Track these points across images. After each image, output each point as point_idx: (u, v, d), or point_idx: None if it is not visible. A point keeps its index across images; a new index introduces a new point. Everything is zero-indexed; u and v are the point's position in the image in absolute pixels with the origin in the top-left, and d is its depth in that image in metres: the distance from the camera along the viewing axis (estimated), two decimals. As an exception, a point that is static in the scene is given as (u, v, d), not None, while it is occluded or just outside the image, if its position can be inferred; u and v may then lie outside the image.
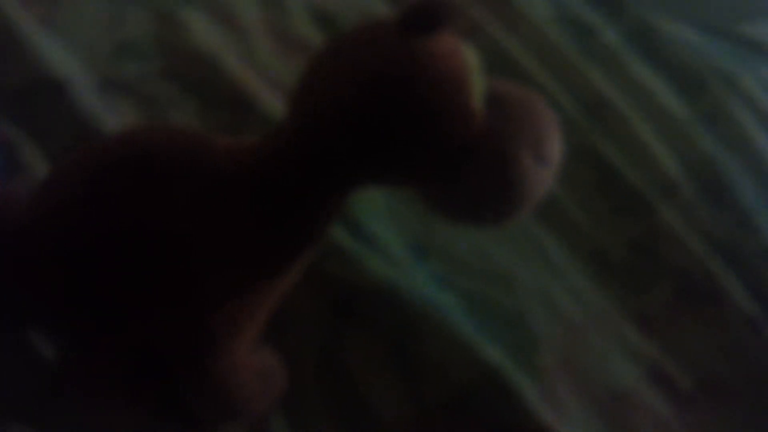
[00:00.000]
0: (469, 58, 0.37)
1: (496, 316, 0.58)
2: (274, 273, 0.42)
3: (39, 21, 0.66)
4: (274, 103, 0.65)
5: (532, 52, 0.80)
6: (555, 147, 0.40)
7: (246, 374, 0.45)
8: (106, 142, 0.41)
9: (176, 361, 0.43)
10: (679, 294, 0.63)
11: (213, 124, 0.63)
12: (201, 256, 0.40)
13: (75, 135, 0.58)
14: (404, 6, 0.36)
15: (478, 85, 0.37)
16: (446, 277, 0.60)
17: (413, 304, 0.55)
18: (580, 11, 0.87)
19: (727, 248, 0.67)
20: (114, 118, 0.60)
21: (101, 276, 0.40)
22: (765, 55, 0.92)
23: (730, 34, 0.94)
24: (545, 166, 0.40)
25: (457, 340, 0.54)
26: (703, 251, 0.65)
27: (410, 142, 0.36)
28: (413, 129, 0.36)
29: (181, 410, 0.46)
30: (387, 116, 0.36)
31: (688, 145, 0.75)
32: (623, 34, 0.87)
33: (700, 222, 0.68)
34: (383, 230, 0.60)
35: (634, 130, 0.74)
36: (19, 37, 0.63)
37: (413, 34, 0.35)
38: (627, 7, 0.90)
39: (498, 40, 0.78)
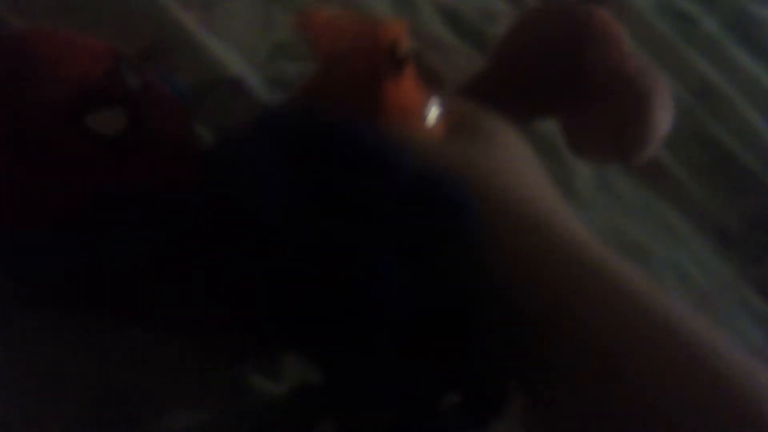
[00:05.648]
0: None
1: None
2: None
3: (197, 24, 0.65)
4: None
5: (638, 40, 0.77)
6: (670, 101, 0.50)
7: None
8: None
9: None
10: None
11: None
12: None
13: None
14: None
15: (628, 43, 0.48)
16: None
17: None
18: (677, 0, 0.88)
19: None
20: (286, 113, 0.64)
21: None
22: None
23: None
24: (667, 113, 0.49)
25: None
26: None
27: (587, 78, 0.46)
28: (591, 66, 0.46)
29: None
30: (571, 60, 0.46)
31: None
32: (720, 21, 0.88)
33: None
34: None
35: (741, 113, 0.76)
36: (189, 39, 0.62)
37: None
38: (722, -4, 0.91)
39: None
